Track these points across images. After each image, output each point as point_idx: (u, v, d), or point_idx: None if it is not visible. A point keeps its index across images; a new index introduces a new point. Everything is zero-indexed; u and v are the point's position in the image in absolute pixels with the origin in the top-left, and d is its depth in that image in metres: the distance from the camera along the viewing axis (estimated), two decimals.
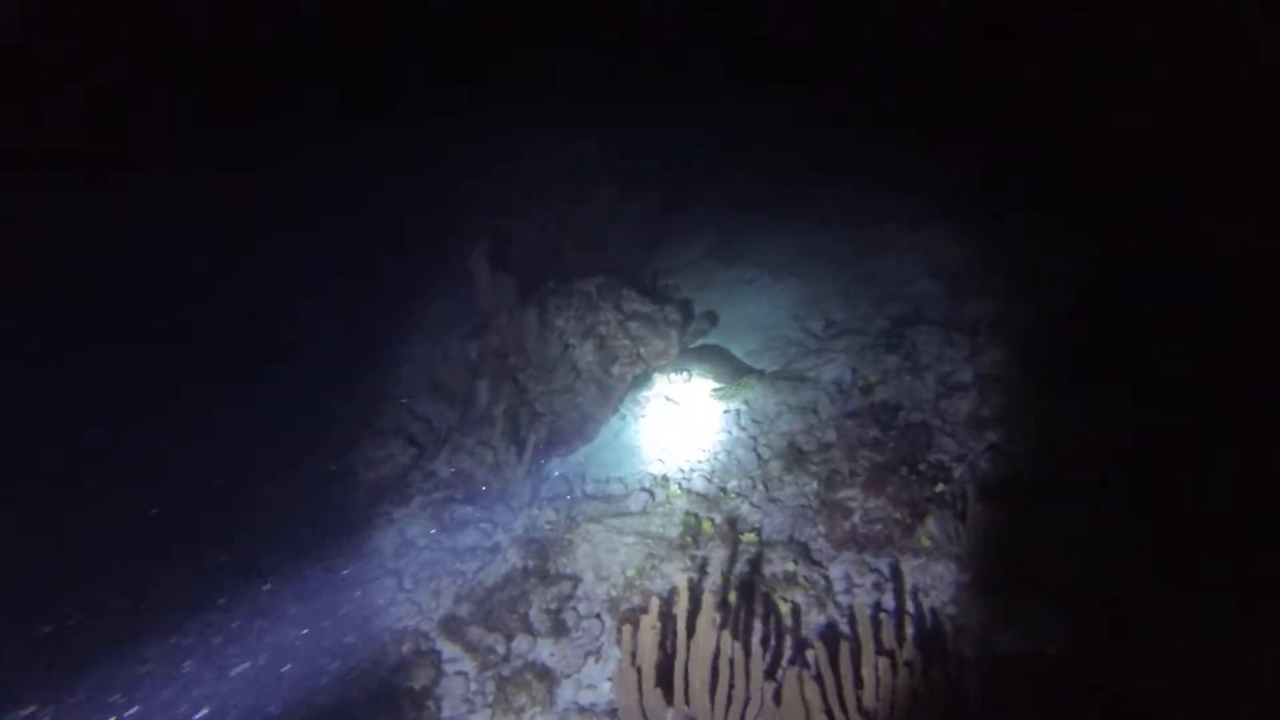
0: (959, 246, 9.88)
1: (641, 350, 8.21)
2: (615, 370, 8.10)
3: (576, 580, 5.92)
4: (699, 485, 6.83)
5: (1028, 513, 5.62)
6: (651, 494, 6.67)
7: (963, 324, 8.42)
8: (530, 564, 6.06)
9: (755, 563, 5.76)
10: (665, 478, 7.07)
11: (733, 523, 6.05)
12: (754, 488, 6.55)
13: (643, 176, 12.40)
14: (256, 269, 10.02)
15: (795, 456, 6.68)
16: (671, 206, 12.54)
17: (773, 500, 6.32)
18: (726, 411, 8.03)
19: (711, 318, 9.31)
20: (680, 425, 8.03)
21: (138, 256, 9.80)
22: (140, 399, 8.53)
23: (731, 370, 8.50)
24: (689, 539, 6.01)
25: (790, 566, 5.67)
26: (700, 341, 9.28)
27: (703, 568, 5.82)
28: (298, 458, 7.93)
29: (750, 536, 5.88)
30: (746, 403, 8.11)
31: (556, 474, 7.81)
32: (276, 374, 8.79)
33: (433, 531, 6.89)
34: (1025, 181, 10.18)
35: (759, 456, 7.04)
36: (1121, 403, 6.42)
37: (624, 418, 8.43)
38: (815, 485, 6.33)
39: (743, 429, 7.71)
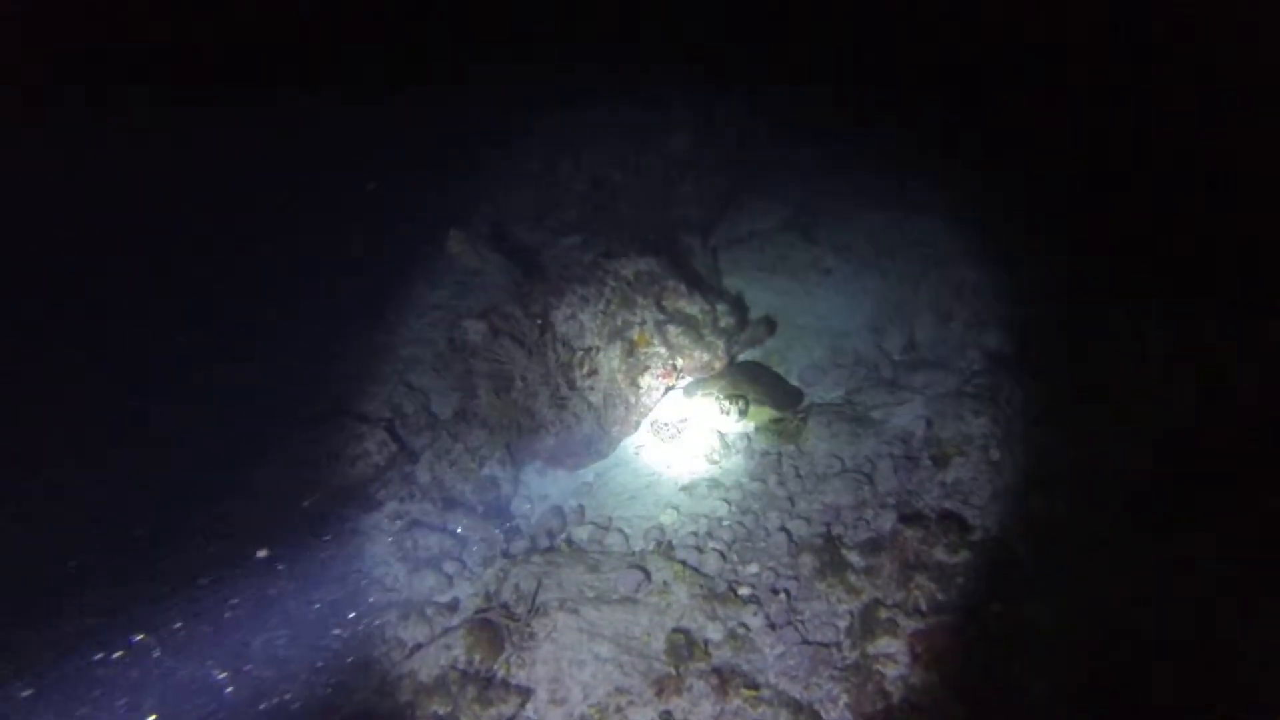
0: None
1: (679, 362, 6.68)
2: (644, 382, 6.63)
3: (526, 695, 4.60)
4: (711, 564, 5.40)
5: None
6: (648, 574, 5.27)
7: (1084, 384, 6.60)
8: (476, 660, 4.75)
9: None
10: (671, 544, 5.65)
11: (725, 679, 4.53)
12: (774, 592, 5.08)
13: (721, 131, 10.53)
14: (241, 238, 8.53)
15: (833, 556, 5.17)
16: (749, 168, 10.69)
17: (793, 622, 4.86)
18: (767, 454, 6.51)
19: (770, 324, 7.65)
20: (711, 458, 6.56)
21: (105, 229, 8.33)
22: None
23: (784, 398, 6.93)
24: (673, 668, 4.62)
25: None
26: (752, 352, 7.68)
27: None
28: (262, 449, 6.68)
29: (749, 694, 4.44)
30: (796, 445, 6.56)
31: (550, 503, 6.47)
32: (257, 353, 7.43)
33: (390, 565, 5.66)
34: None
35: (790, 536, 5.56)
36: None
37: (651, 432, 7.01)
38: (851, 612, 4.83)
39: (781, 483, 6.20)
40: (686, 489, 6.34)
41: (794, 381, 7.52)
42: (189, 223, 8.31)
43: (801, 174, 10.69)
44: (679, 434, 6.60)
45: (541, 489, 6.75)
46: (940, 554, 4.93)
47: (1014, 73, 10.07)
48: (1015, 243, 8.46)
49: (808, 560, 5.19)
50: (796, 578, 5.18)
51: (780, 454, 6.50)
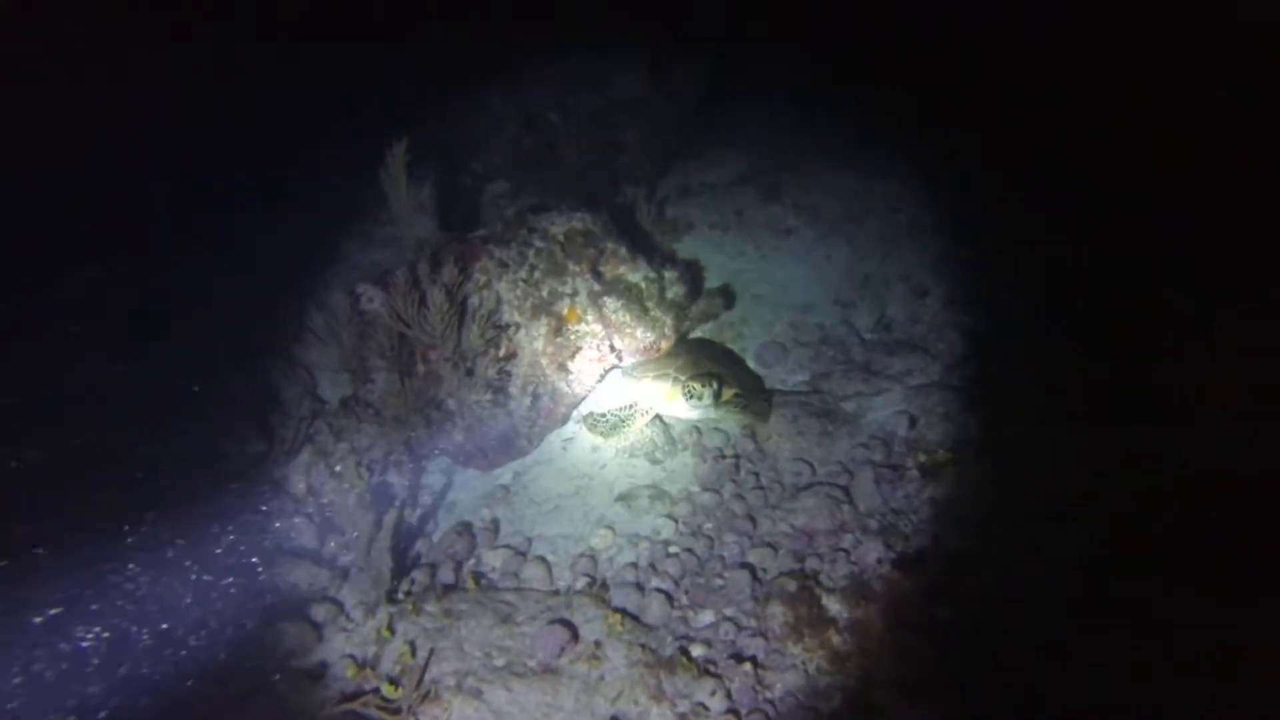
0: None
1: (617, 342, 5.37)
2: (575, 366, 5.30)
3: None
4: (654, 611, 4.18)
5: None
6: (574, 632, 4.00)
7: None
8: None
9: None
10: (605, 583, 4.41)
11: None
12: (737, 659, 3.88)
13: (678, 66, 9.05)
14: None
15: (811, 608, 3.99)
16: (710, 108, 9.26)
17: (762, 707, 3.66)
18: (722, 455, 5.29)
19: (727, 296, 6.37)
20: (654, 456, 5.33)
21: None
22: None
23: (745, 380, 5.70)
24: None
25: None
26: (706, 328, 6.40)
27: None
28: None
29: None
30: (756, 445, 5.37)
31: (458, 515, 5.14)
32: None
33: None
34: None
35: (754, 574, 4.35)
36: None
37: (584, 423, 5.73)
38: (839, 689, 3.65)
39: (739, 495, 4.99)
40: (624, 499, 5.10)
41: (750, 362, 6.30)
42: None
43: (761, 126, 9.31)
44: (617, 426, 5.30)
45: (449, 494, 5.41)
46: (943, 611, 3.78)
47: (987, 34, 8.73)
48: (994, 217, 7.31)
49: (778, 612, 3.99)
50: (764, 635, 3.99)
51: (738, 456, 5.28)
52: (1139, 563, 4.09)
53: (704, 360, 5.56)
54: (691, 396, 5.07)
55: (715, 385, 5.10)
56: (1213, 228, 4.84)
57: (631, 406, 5.38)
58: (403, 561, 4.64)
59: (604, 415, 5.42)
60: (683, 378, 5.18)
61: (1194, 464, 4.44)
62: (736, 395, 5.36)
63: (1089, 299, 6.08)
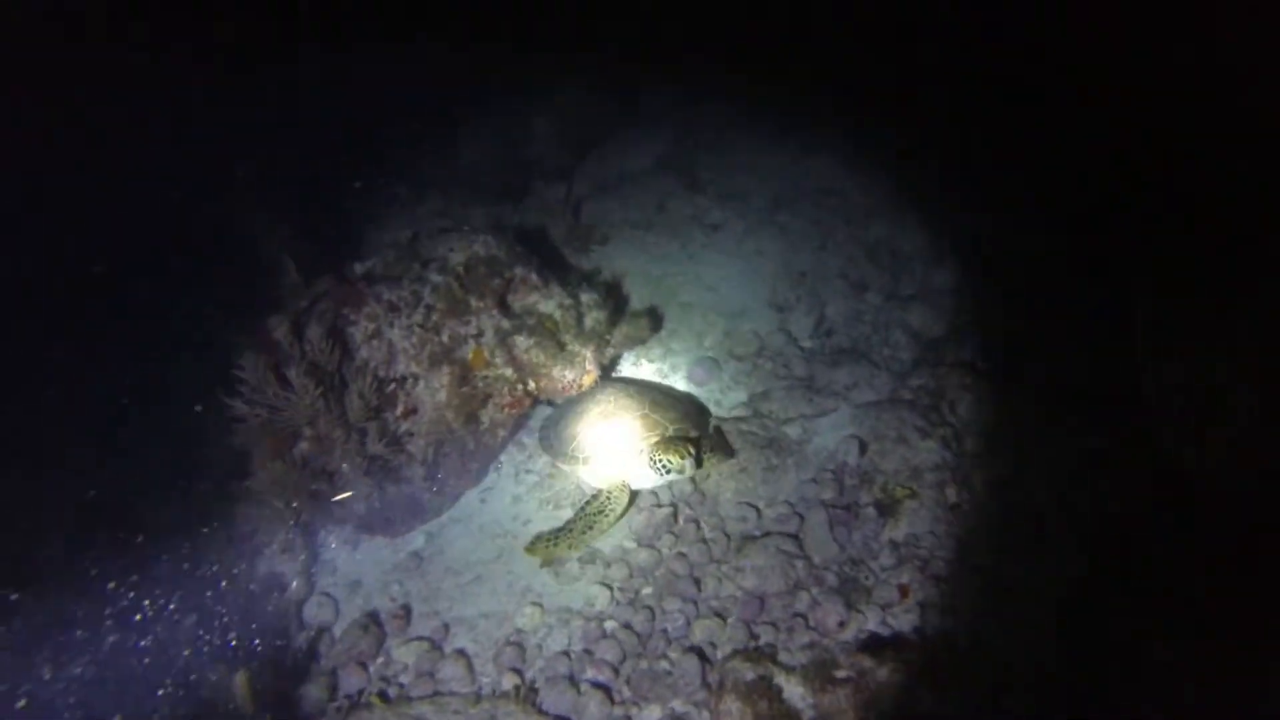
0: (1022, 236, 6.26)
1: (532, 384, 4.70)
2: (486, 417, 4.64)
3: None
4: (593, 714, 3.60)
5: None
6: None
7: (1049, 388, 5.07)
8: None
9: None
10: (534, 685, 3.80)
11: None
12: None
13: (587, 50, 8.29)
14: None
15: (771, 703, 3.44)
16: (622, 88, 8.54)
17: None
18: (657, 503, 4.70)
19: (653, 317, 5.73)
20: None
21: None
22: None
23: (695, 418, 5.00)
24: None
25: None
26: (633, 357, 5.76)
27: None
28: None
29: None
30: (695, 487, 4.77)
31: (361, 598, 4.44)
32: None
33: None
34: None
35: (702, 658, 3.80)
36: None
37: (502, 472, 5.08)
38: None
39: (680, 552, 4.41)
40: (553, 561, 4.46)
41: (680, 382, 5.70)
42: None
43: (678, 99, 8.60)
44: (586, 533, 4.36)
45: (351, 570, 4.70)
46: (925, 698, 3.28)
47: None
48: (934, 195, 6.80)
49: (734, 709, 3.45)
50: None
51: (674, 504, 4.69)
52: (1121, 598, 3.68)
53: (649, 410, 4.71)
54: (669, 471, 4.26)
55: (693, 451, 4.29)
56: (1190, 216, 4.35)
57: (598, 497, 4.46)
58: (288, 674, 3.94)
59: (556, 534, 4.41)
60: (646, 448, 4.37)
61: (1177, 471, 4.02)
62: (697, 441, 4.60)
63: (1047, 288, 5.63)
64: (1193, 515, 3.88)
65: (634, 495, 4.54)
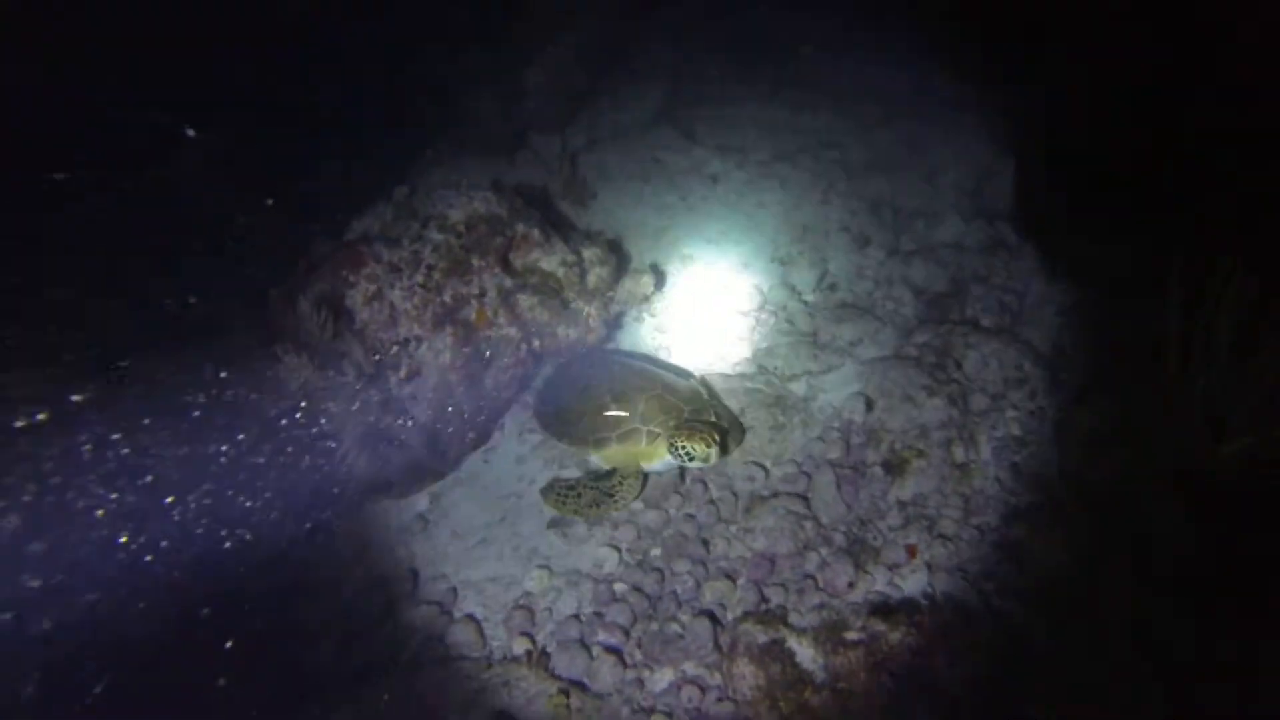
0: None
1: (537, 344, 4.61)
2: (490, 379, 4.54)
3: None
4: (605, 677, 3.63)
5: None
6: None
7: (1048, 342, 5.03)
8: None
9: None
10: (545, 652, 3.78)
11: None
12: None
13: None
14: None
15: (784, 665, 3.46)
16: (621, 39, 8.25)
17: None
18: (664, 470, 4.63)
19: (656, 274, 5.59)
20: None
21: None
22: None
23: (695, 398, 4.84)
24: None
25: None
26: (635, 313, 5.64)
27: None
28: None
29: None
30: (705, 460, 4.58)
31: (369, 563, 4.41)
32: None
33: None
34: None
35: (714, 618, 3.81)
36: None
37: (505, 432, 5.02)
38: None
39: (688, 513, 4.39)
40: (558, 524, 4.44)
41: None
42: None
43: (672, 45, 8.35)
44: (598, 504, 4.29)
45: (360, 529, 4.66)
46: (938, 663, 3.29)
47: None
48: (941, 150, 6.66)
49: (747, 673, 3.46)
50: (733, 699, 3.45)
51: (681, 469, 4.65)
52: (1126, 578, 3.66)
53: (663, 391, 4.45)
54: (692, 459, 4.09)
55: (718, 439, 4.12)
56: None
57: (612, 477, 4.36)
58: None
59: (573, 488, 4.39)
60: (662, 433, 4.21)
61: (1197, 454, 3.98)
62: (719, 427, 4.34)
63: (1056, 238, 5.53)
64: (1209, 498, 3.82)
65: (646, 478, 4.46)
